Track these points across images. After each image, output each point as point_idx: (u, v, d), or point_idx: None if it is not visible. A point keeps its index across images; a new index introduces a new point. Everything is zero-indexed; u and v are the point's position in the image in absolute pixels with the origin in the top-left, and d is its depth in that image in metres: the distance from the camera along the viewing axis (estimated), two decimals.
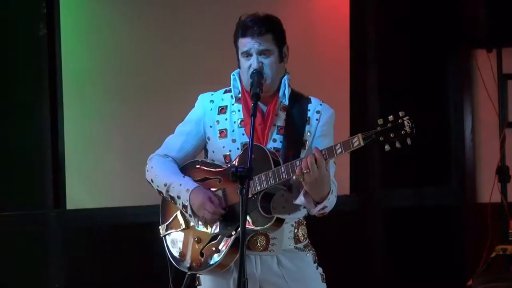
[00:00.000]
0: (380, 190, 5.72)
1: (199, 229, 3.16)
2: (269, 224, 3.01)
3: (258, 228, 3.03)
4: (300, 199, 3.02)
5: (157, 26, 5.21)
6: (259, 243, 3.14)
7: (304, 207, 3.14)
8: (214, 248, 3.10)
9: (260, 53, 3.13)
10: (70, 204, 5.09)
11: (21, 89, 5.08)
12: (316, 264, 3.24)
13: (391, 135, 2.84)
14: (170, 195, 3.17)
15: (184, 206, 3.12)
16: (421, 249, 5.73)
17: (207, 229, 3.14)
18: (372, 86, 5.63)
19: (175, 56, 5.22)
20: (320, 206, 3.00)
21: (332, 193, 3.03)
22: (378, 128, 2.86)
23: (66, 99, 5.07)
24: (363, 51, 5.64)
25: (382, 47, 5.67)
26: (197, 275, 3.24)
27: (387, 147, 2.86)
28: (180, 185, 3.14)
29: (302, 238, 3.23)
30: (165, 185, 3.17)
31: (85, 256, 5.13)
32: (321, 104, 3.23)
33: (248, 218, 2.99)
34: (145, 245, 4.98)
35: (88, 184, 5.14)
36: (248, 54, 3.14)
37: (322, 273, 3.24)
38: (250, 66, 3.13)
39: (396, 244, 5.69)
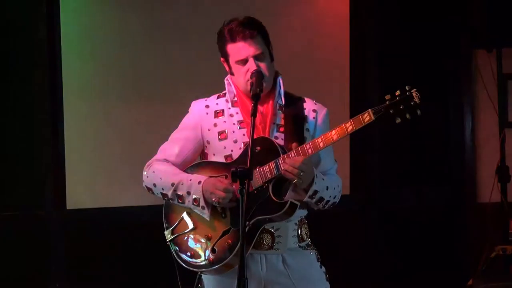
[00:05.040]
0: (380, 190, 5.72)
1: (209, 225, 3.14)
2: (284, 209, 3.02)
3: (273, 215, 3.04)
4: (290, 194, 3.06)
5: (158, 26, 5.21)
6: (265, 241, 3.14)
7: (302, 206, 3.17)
8: (227, 243, 3.10)
9: (256, 57, 3.15)
10: (70, 204, 5.09)
11: (21, 89, 5.07)
12: (319, 262, 3.25)
13: (401, 107, 2.95)
14: (177, 194, 3.16)
15: (195, 200, 3.12)
16: (421, 249, 5.73)
17: (223, 216, 3.12)
18: (372, 86, 5.63)
19: (176, 57, 5.22)
20: (310, 193, 3.06)
21: (334, 188, 3.19)
22: (387, 102, 2.96)
23: (66, 99, 5.07)
24: (363, 51, 5.64)
25: (382, 47, 5.67)
26: (201, 277, 3.24)
27: (398, 120, 2.95)
28: (190, 180, 3.15)
29: (305, 236, 3.25)
30: (172, 185, 3.16)
31: (85, 256, 5.13)
32: (315, 103, 3.29)
33: (260, 208, 3.03)
34: (145, 245, 4.99)
35: (88, 184, 5.14)
36: (244, 61, 3.15)
37: (325, 271, 3.26)
38: (247, 70, 3.15)
39: (396, 244, 5.69)
